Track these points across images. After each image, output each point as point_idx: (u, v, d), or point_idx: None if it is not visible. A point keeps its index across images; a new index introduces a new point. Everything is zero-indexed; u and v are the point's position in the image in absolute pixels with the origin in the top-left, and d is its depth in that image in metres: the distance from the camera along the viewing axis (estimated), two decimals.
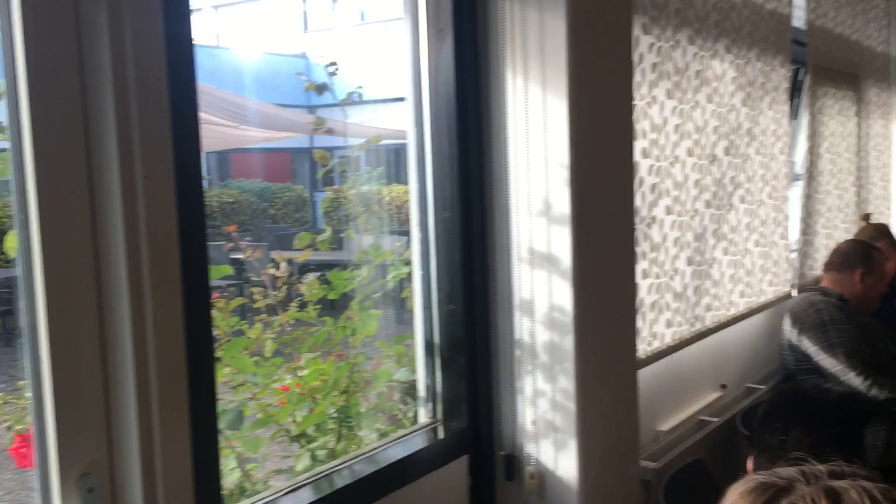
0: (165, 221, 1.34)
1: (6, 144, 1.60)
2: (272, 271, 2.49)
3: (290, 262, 2.46)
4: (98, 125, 1.28)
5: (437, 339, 2.16)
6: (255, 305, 2.43)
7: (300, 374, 2.39)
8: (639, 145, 2.46)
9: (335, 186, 2.65)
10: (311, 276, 2.49)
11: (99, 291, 1.31)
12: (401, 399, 2.39)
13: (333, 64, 2.00)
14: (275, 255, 2.58)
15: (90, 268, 1.30)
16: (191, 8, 1.39)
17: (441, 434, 2.14)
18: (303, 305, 2.48)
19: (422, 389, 2.20)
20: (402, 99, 2.12)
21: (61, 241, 1.27)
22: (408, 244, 2.38)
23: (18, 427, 1.99)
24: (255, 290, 2.45)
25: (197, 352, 1.42)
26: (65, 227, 1.27)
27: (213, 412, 1.48)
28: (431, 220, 2.13)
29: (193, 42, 1.39)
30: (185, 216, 1.38)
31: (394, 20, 2.20)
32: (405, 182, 2.19)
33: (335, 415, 2.19)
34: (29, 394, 1.32)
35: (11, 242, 1.61)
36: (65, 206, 1.27)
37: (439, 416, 2.17)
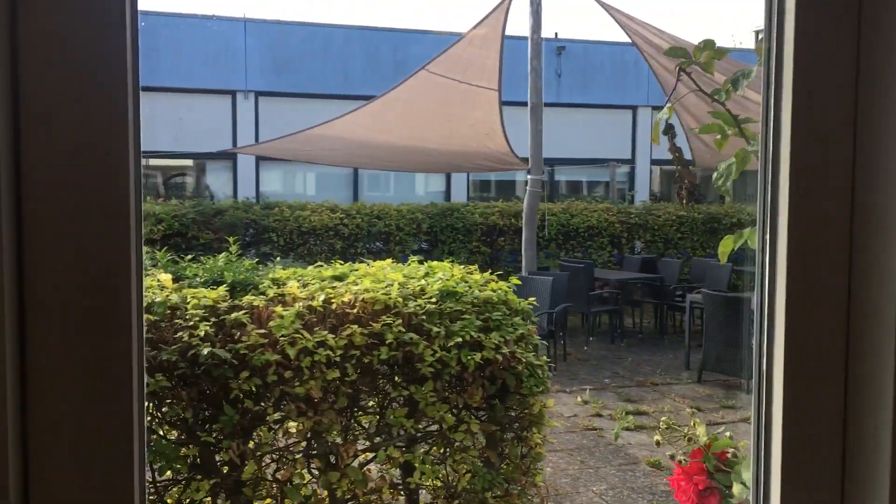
0: None
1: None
2: None
3: None
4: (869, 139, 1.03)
5: None
6: None
7: None
8: None
9: None
10: None
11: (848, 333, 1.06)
12: None
13: None
14: None
15: (842, 302, 1.06)
16: None
17: None
18: None
19: None
20: None
21: (811, 275, 1.05)
22: None
23: (681, 457, 1.88)
24: None
25: None
26: (819, 257, 1.05)
27: None
28: None
29: None
30: None
31: None
32: None
33: None
34: (749, 445, 1.14)
35: (727, 247, 1.47)
36: (820, 230, 1.05)
37: None
